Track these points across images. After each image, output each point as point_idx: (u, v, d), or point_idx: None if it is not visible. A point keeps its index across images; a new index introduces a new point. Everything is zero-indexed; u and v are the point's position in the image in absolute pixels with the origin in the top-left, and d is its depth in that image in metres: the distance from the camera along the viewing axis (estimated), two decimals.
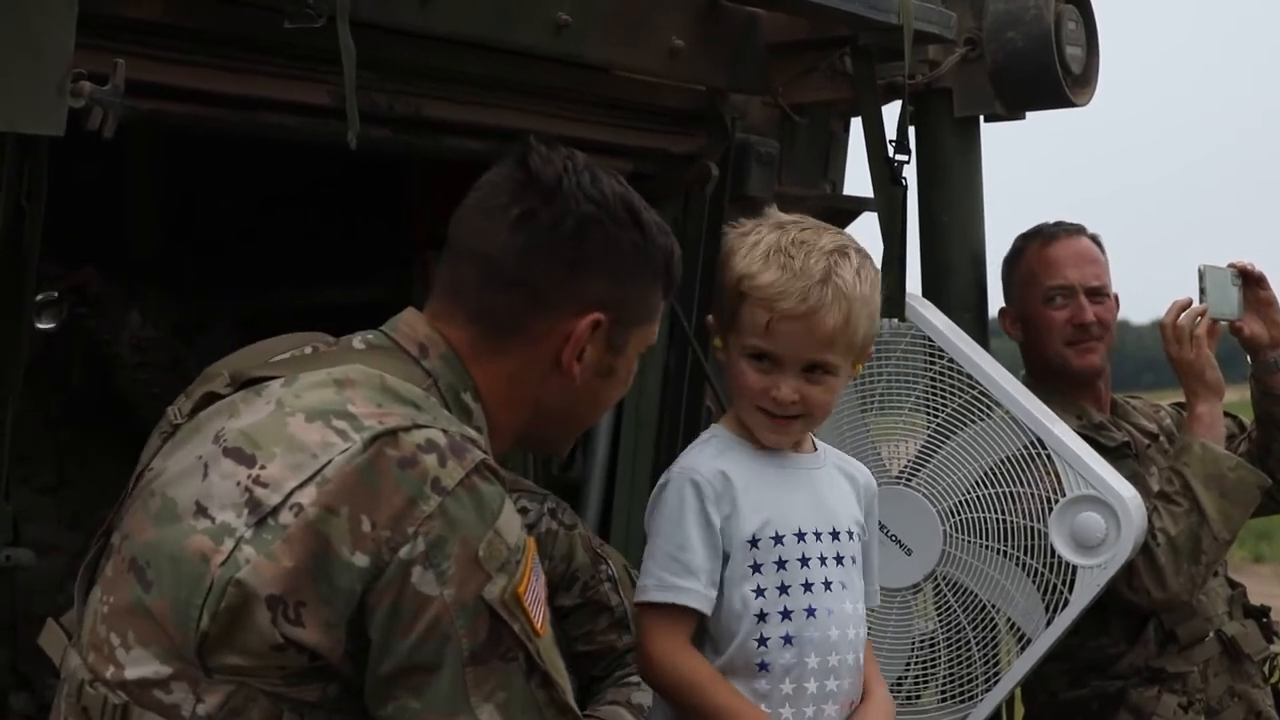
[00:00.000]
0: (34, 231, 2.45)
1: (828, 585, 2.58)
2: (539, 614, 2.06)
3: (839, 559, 2.61)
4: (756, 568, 2.57)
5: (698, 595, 2.55)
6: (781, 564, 2.57)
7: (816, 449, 2.70)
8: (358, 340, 2.24)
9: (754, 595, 2.56)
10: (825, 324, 2.53)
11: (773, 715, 2.55)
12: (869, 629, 2.71)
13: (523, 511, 3.32)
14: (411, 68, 3.01)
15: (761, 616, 2.56)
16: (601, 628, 3.16)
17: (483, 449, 2.08)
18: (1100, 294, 3.94)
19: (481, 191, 2.26)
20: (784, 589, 2.56)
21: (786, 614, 2.56)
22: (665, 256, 2.32)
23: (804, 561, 2.58)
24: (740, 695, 2.55)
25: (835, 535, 2.61)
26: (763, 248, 2.57)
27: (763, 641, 2.56)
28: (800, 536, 2.58)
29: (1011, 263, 4.04)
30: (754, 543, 2.57)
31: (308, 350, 2.23)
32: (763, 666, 2.56)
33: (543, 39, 3.07)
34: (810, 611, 2.57)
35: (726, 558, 2.56)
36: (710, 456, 2.64)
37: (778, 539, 2.57)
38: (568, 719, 2.09)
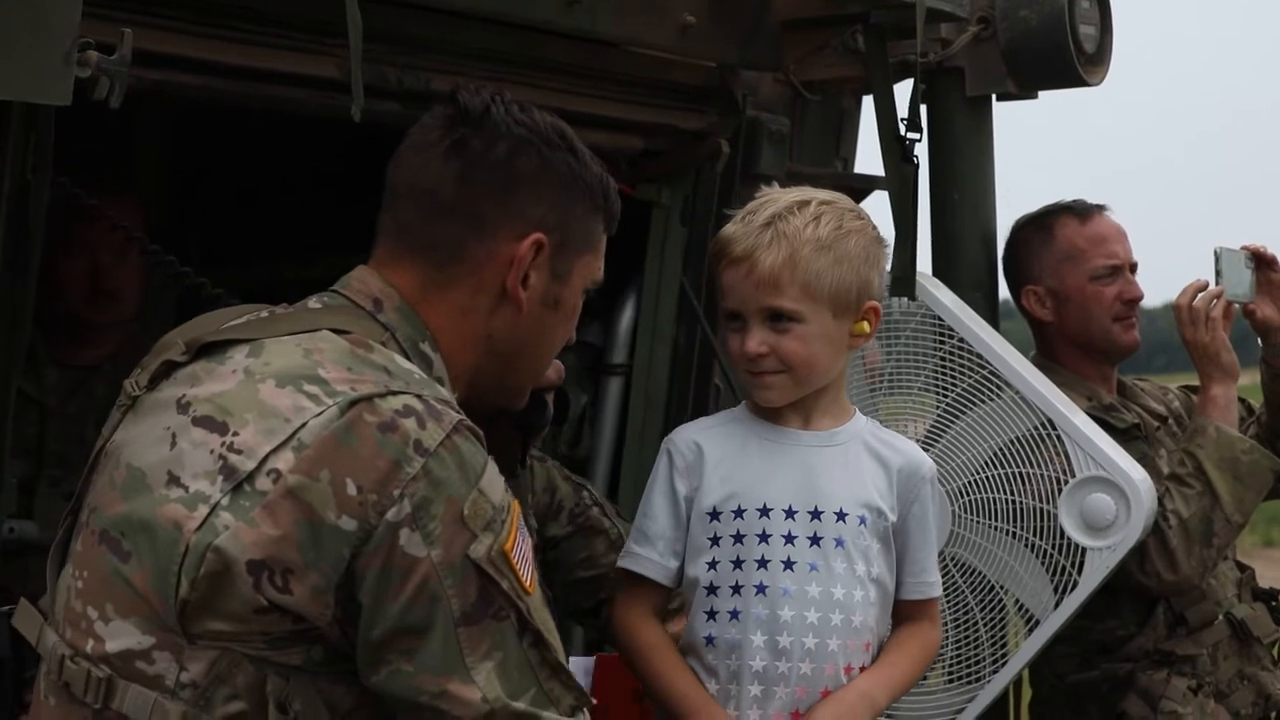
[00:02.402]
0: (39, 204, 2.44)
1: (789, 564, 2.53)
2: (527, 573, 2.07)
3: (815, 539, 2.55)
4: (715, 540, 2.55)
5: (650, 563, 2.56)
6: (739, 538, 2.54)
7: (841, 426, 2.63)
8: (313, 301, 2.24)
9: (707, 568, 2.55)
10: (762, 264, 2.51)
11: (720, 692, 2.54)
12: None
13: None
14: (422, 41, 3.00)
15: (712, 589, 2.55)
16: (600, 550, 3.16)
17: (457, 410, 2.09)
18: (1135, 271, 3.94)
19: (414, 134, 2.28)
20: (738, 564, 2.54)
21: (736, 589, 2.54)
22: (603, 185, 2.32)
23: (764, 538, 2.54)
24: (683, 670, 2.55)
25: (817, 515, 2.56)
26: (740, 212, 2.60)
27: (712, 615, 2.55)
28: (764, 512, 2.55)
29: (1036, 241, 3.96)
30: (715, 515, 2.56)
31: (263, 314, 2.23)
32: (710, 641, 2.55)
33: (554, 14, 3.06)
34: (760, 589, 2.53)
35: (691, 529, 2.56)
36: (701, 428, 2.64)
37: (739, 513, 2.55)
38: (561, 679, 2.09)
